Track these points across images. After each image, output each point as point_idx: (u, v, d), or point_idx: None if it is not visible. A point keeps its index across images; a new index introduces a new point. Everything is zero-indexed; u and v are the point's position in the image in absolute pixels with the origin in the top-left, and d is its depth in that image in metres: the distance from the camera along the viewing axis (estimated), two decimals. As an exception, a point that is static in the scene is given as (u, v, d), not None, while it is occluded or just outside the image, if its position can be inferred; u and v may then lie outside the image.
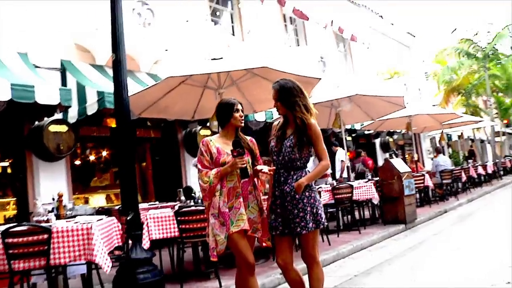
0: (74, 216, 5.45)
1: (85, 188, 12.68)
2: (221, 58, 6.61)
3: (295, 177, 3.58)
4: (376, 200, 8.88)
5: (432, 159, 22.75)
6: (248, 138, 3.81)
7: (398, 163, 9.36)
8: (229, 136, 3.71)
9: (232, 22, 13.94)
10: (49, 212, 5.27)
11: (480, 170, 17.41)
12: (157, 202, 9.01)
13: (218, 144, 3.67)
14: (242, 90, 7.59)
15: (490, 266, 5.31)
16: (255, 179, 3.71)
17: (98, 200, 12.28)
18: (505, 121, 27.90)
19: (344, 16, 18.50)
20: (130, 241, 4.65)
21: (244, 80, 7.17)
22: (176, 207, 5.89)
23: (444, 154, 15.60)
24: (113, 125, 9.46)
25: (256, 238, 3.66)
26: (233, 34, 13.72)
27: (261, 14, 13.66)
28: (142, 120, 8.93)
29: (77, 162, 11.68)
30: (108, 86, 7.83)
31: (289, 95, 3.61)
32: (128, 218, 4.37)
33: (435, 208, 11.39)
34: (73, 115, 7.90)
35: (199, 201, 8.72)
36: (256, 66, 5.92)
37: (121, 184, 5.03)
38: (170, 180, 10.73)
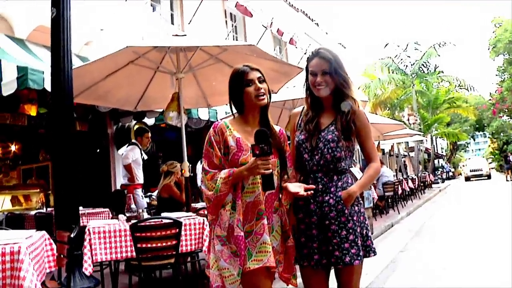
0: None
1: (-14, 188, 10.72)
2: (184, 35, 5.40)
3: (339, 183, 2.54)
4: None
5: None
6: (278, 128, 2.64)
7: (358, 173, 8.62)
8: (251, 123, 2.54)
9: (172, 10, 12.64)
10: None
11: (410, 184, 17.50)
12: (80, 207, 7.55)
13: (238, 133, 2.49)
14: (199, 78, 6.44)
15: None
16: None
17: (1, 202, 10.37)
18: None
19: (283, 19, 17.88)
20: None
21: (204, 67, 5.99)
22: (122, 218, 4.58)
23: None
24: (32, 112, 7.81)
25: (275, 274, 2.52)
26: (172, 23, 12.44)
27: (203, 6, 12.49)
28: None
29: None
30: (32, 63, 6.29)
31: (341, 68, 2.56)
32: (73, 234, 3.06)
33: (382, 222, 10.83)
34: (-18, 95, 6.22)
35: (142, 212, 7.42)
36: (243, 44, 4.78)
37: (57, 185, 3.71)
38: (96, 182, 9.21)
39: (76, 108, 8.48)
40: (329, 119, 2.62)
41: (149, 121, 9.36)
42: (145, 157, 7.75)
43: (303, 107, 2.75)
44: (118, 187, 9.30)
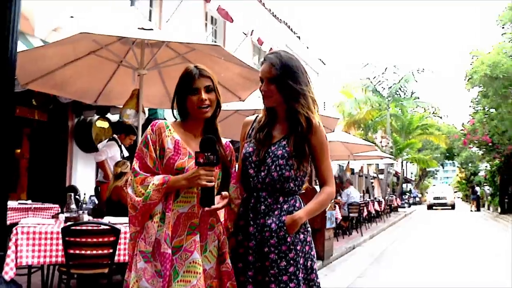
0: None
1: None
2: (151, 29, 5.09)
3: (285, 206, 2.23)
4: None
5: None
6: (225, 141, 2.37)
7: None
8: (194, 128, 2.27)
9: (150, 6, 12.30)
10: None
11: (377, 206, 17.46)
12: (29, 201, 7.14)
13: (178, 135, 2.22)
14: (164, 77, 6.13)
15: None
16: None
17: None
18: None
19: (265, 28, 17.72)
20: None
21: (170, 65, 5.68)
22: (62, 218, 4.23)
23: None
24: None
25: None
26: (150, 20, 12.08)
27: (183, 6, 12.18)
28: (26, 94, 6.95)
29: None
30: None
31: (292, 78, 2.25)
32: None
33: (343, 243, 10.66)
34: None
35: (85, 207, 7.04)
36: (208, 43, 4.50)
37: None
38: (50, 176, 8.74)
39: (36, 96, 8.07)
40: (282, 132, 2.33)
41: (113, 117, 8.97)
42: (126, 154, 7.14)
43: (256, 116, 2.47)
44: (73, 182, 8.88)
